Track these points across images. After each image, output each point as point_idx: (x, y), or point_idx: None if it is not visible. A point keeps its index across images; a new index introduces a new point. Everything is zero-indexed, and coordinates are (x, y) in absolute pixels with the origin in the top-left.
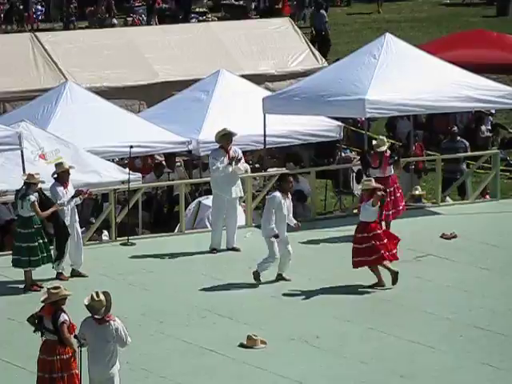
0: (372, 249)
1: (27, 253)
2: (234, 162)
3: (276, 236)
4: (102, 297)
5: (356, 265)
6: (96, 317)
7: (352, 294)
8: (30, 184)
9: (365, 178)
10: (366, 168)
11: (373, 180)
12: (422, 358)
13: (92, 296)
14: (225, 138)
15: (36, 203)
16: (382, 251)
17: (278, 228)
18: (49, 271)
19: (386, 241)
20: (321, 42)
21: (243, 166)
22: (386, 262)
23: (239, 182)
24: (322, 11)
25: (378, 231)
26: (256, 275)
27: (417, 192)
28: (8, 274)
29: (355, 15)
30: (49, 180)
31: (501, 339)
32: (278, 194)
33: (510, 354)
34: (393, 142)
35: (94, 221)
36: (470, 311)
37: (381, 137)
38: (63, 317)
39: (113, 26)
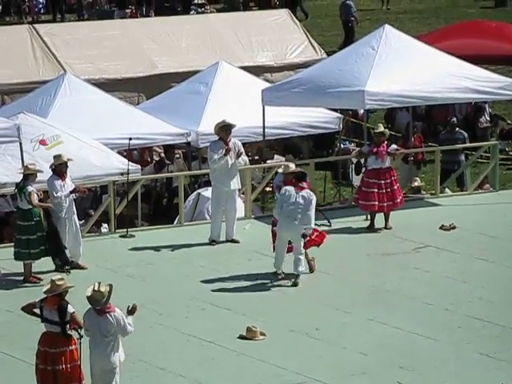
0: None
1: (26, 245)
2: (233, 155)
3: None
4: (102, 288)
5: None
6: (98, 307)
7: (351, 285)
8: (28, 175)
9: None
10: (359, 171)
11: (293, 164)
12: (421, 349)
13: (93, 287)
14: (223, 129)
15: (33, 193)
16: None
17: None
18: (48, 263)
19: None
20: (347, 32)
21: (243, 159)
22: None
23: (238, 174)
24: (349, 2)
25: None
26: (296, 283)
27: (416, 183)
28: (7, 266)
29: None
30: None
31: (499, 330)
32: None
33: (509, 345)
34: (392, 132)
35: (92, 213)
36: (468, 302)
37: (379, 124)
38: (70, 308)
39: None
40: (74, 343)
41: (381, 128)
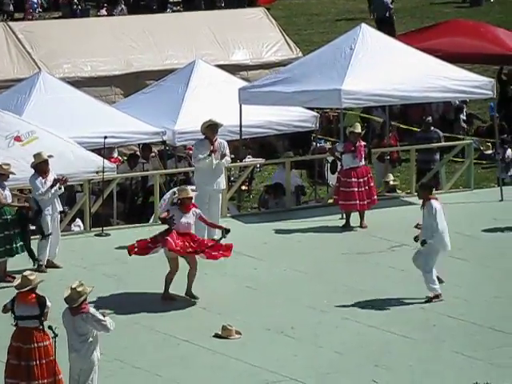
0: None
1: None
2: (218, 155)
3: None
4: (80, 288)
5: None
6: (74, 305)
7: (326, 284)
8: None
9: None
10: (335, 170)
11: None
12: (396, 348)
13: (72, 285)
14: (210, 128)
15: None
16: None
17: None
18: (24, 262)
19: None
20: (384, 28)
21: (226, 160)
22: None
23: (223, 174)
24: None
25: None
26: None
27: (391, 182)
28: None
29: (329, 5)
30: (25, 164)
31: (475, 329)
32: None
33: (484, 344)
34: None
35: (67, 210)
36: (444, 301)
37: (356, 124)
38: (49, 302)
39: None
40: (48, 338)
41: (358, 129)
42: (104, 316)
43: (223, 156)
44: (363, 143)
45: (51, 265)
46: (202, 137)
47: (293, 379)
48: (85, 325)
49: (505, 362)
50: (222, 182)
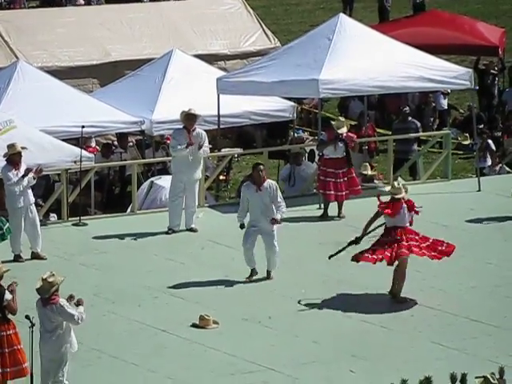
0: None
1: None
2: (195, 145)
3: (240, 226)
4: (51, 278)
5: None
6: (45, 296)
7: (304, 274)
8: None
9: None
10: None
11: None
12: (374, 338)
13: (43, 276)
14: (187, 118)
15: None
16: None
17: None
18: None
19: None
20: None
21: (204, 150)
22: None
23: (201, 165)
24: None
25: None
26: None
27: (366, 171)
28: None
29: None
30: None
31: (451, 319)
32: (248, 183)
33: (460, 334)
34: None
35: (42, 203)
36: (421, 291)
37: (341, 118)
38: (8, 294)
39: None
40: (13, 328)
41: (343, 128)
42: (80, 303)
43: (200, 147)
44: (351, 135)
45: (36, 256)
46: (180, 126)
47: (270, 369)
48: (55, 316)
49: (481, 352)
50: (198, 172)
